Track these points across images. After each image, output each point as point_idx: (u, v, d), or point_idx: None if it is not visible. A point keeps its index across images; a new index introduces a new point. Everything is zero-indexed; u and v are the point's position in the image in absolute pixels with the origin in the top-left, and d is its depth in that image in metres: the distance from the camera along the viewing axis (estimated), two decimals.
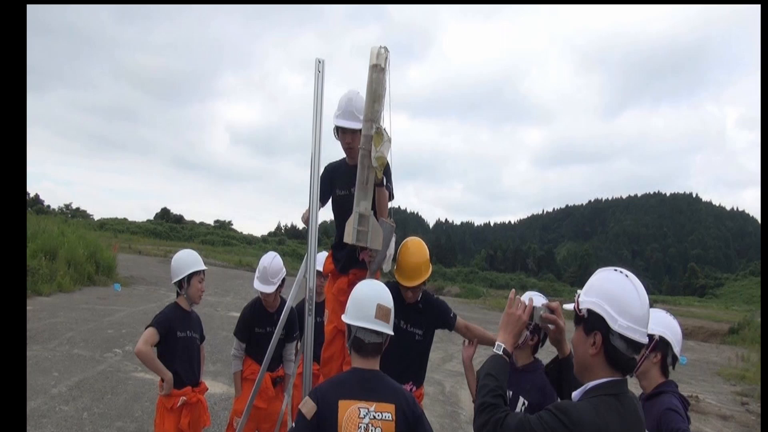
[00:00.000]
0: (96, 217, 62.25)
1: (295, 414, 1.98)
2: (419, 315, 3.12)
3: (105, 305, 12.07)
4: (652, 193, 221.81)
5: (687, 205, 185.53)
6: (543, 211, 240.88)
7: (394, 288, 2.98)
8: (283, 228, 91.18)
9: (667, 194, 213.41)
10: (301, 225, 3.21)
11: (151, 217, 70.18)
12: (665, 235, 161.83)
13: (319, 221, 2.79)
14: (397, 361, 2.74)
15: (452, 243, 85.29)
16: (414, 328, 3.11)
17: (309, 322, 2.65)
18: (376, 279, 2.72)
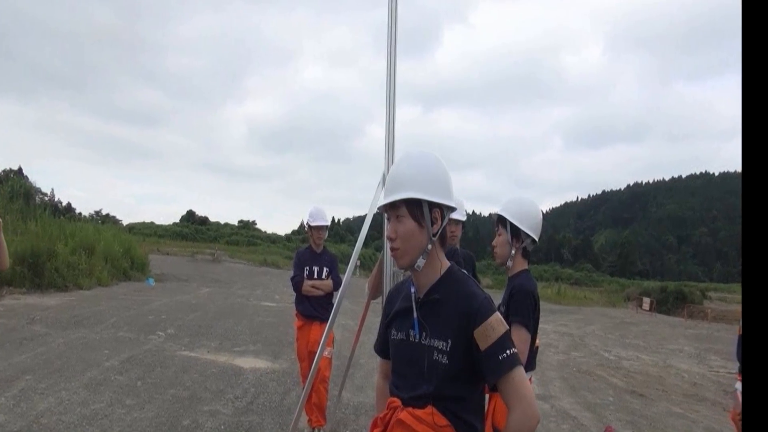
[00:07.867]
0: (125, 222, 64.24)
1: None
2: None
3: (142, 296, 12.71)
4: (698, 173, 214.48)
5: (739, 185, 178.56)
6: (577, 198, 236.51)
7: None
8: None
9: (716, 174, 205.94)
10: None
11: (177, 220, 72.22)
12: (714, 218, 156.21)
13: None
14: None
15: (481, 235, 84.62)
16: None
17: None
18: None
